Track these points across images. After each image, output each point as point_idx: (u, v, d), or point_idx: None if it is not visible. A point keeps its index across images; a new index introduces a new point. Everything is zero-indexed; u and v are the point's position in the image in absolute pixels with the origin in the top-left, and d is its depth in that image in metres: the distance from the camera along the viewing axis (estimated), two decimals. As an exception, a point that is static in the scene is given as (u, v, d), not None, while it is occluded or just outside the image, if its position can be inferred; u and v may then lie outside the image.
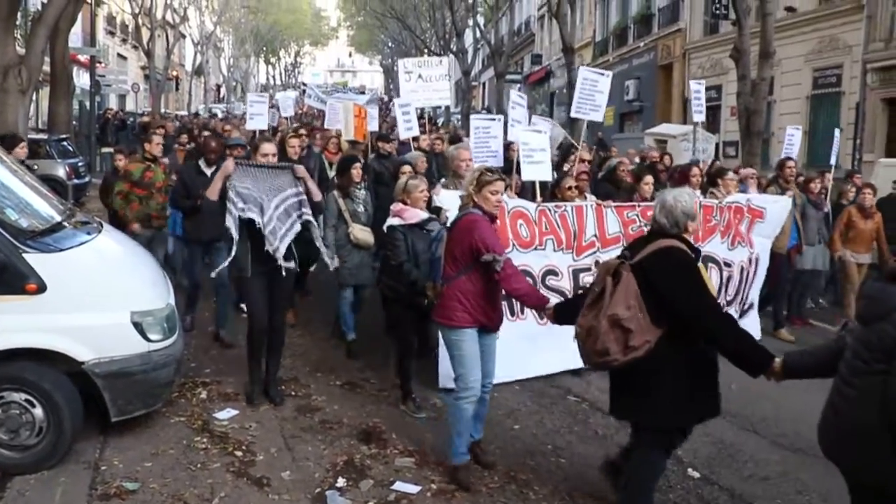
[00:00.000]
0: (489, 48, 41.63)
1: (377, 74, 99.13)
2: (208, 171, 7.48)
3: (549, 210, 7.00)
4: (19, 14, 12.67)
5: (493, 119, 9.03)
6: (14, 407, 4.86)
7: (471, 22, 41.89)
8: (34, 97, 14.06)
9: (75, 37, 22.63)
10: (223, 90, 71.60)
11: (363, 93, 48.86)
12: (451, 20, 39.35)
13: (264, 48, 79.10)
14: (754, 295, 8.57)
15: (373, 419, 5.94)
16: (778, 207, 8.68)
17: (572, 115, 8.86)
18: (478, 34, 41.68)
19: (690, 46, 26.87)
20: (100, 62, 26.19)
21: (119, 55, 46.33)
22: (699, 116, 12.35)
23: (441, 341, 5.47)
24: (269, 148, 6.23)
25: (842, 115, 19.16)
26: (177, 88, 52.75)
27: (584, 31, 36.54)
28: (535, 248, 6.86)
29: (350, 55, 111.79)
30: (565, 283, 7.02)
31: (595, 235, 7.17)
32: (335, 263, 7.14)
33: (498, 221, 5.57)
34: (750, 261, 8.30)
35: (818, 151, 18.65)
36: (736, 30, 16.16)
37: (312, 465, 5.14)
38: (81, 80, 27.42)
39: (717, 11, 23.83)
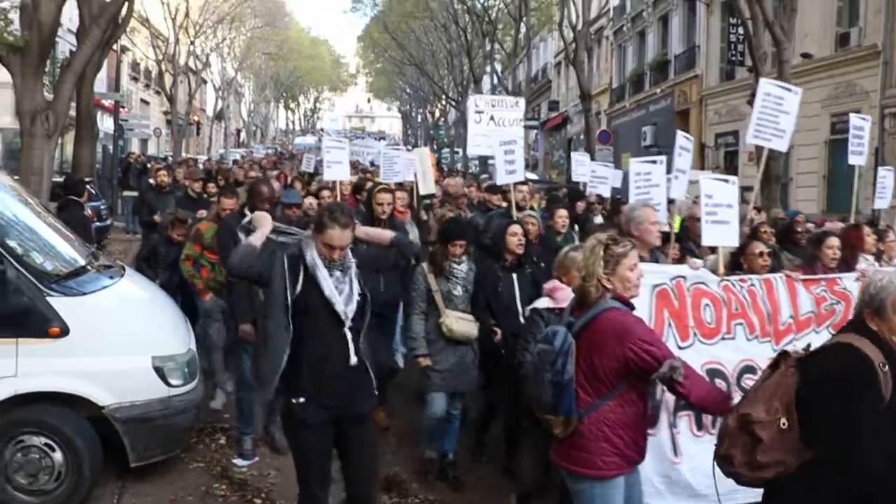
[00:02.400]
0: (507, 94, 42.10)
1: (395, 120, 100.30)
2: None
3: (734, 285, 5.18)
4: (48, 61, 12.92)
5: (655, 162, 7.15)
6: (34, 451, 4.86)
7: (488, 69, 42.38)
8: (59, 141, 14.28)
9: (100, 82, 23.08)
10: (243, 135, 72.59)
11: (383, 138, 49.37)
12: (469, 67, 39.87)
13: (284, 94, 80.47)
14: None
15: (394, 468, 5.86)
16: None
17: (749, 140, 7.07)
18: (495, 80, 42.15)
19: (707, 92, 27.01)
20: (123, 107, 26.64)
21: (142, 100, 47.15)
22: (858, 159, 10.12)
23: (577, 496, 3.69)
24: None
25: (861, 160, 19.08)
26: (198, 133, 53.59)
27: (600, 77, 36.86)
28: (723, 338, 5.03)
29: (368, 101, 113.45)
30: None
31: (791, 317, 5.32)
32: (407, 363, 5.32)
33: (676, 303, 4.66)
34: None
35: (837, 197, 18.55)
36: (752, 76, 16.23)
37: (331, 514, 5.05)
38: (105, 124, 27.87)
39: (734, 58, 23.98)
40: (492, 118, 9.26)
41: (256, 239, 4.01)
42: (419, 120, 71.16)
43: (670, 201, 7.19)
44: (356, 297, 3.93)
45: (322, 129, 72.72)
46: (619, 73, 36.03)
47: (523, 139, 9.98)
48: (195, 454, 5.87)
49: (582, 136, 30.24)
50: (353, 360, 3.86)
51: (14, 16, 12.43)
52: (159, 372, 5.11)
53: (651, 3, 31.44)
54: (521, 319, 5.42)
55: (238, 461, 5.78)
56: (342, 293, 3.87)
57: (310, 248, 3.89)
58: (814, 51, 20.51)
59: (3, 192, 5.77)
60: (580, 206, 10.71)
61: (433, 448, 5.80)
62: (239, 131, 73.17)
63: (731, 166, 24.48)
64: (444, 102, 56.73)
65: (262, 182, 6.58)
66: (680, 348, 4.56)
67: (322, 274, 3.83)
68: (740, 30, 20.92)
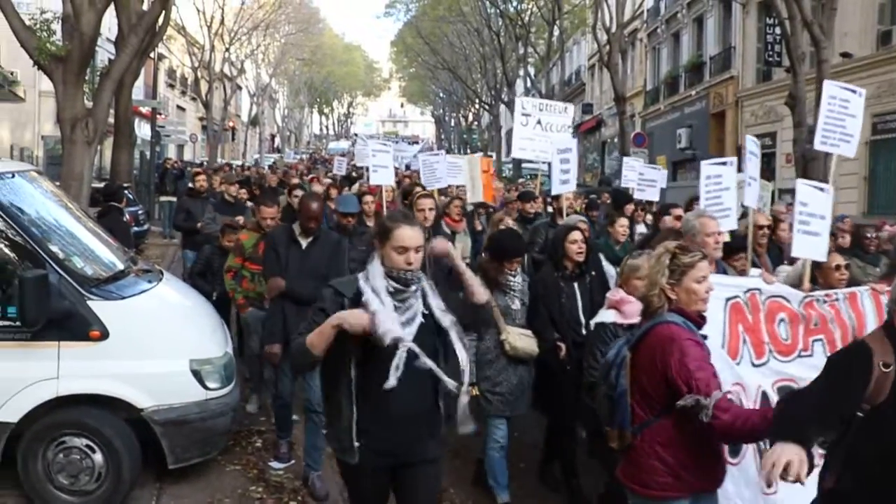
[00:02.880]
0: (540, 98, 41.97)
1: (428, 124, 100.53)
2: (304, 242, 5.67)
3: (818, 301, 4.86)
4: (88, 70, 13.18)
5: (725, 163, 6.52)
6: (75, 452, 4.93)
7: (521, 72, 42.32)
8: (98, 147, 14.56)
9: (137, 89, 23.43)
10: (277, 140, 73.30)
11: (416, 143, 49.43)
12: (503, 70, 39.85)
13: (318, 99, 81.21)
14: None
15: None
16: None
17: (816, 146, 6.53)
18: (529, 84, 42.10)
19: (743, 94, 26.66)
20: (160, 114, 27.09)
21: (178, 107, 47.84)
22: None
23: None
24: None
25: (903, 161, 18.73)
26: (233, 138, 54.27)
27: (634, 79, 36.58)
28: (800, 355, 4.70)
29: (402, 105, 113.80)
30: None
31: None
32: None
33: (750, 317, 4.32)
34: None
35: (879, 198, 18.21)
36: (790, 77, 15.99)
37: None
38: (142, 130, 28.36)
39: (770, 59, 23.66)
40: (539, 122, 9.02)
41: (317, 340, 3.19)
42: (452, 124, 71.28)
43: (744, 211, 6.62)
44: (419, 318, 3.29)
45: (356, 134, 72.98)
46: (654, 76, 35.72)
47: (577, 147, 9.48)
48: (232, 457, 5.91)
49: (616, 139, 30.01)
50: (400, 369, 3.18)
51: (56, 26, 12.73)
52: (197, 375, 5.16)
53: (686, 4, 31.14)
54: (584, 331, 5.18)
55: (274, 464, 5.81)
56: (406, 315, 3.27)
57: (369, 281, 3.29)
58: (854, 50, 20.15)
59: (45, 198, 5.89)
60: (629, 210, 9.64)
61: (505, 490, 5.19)
62: (273, 136, 73.91)
63: (768, 169, 24.11)
64: (477, 106, 56.78)
65: (311, 198, 5.88)
66: (754, 366, 4.35)
67: (383, 312, 3.18)
68: (777, 30, 20.65)
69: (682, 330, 3.24)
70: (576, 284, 5.50)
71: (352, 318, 3.13)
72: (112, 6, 13.49)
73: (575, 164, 8.36)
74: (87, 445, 4.93)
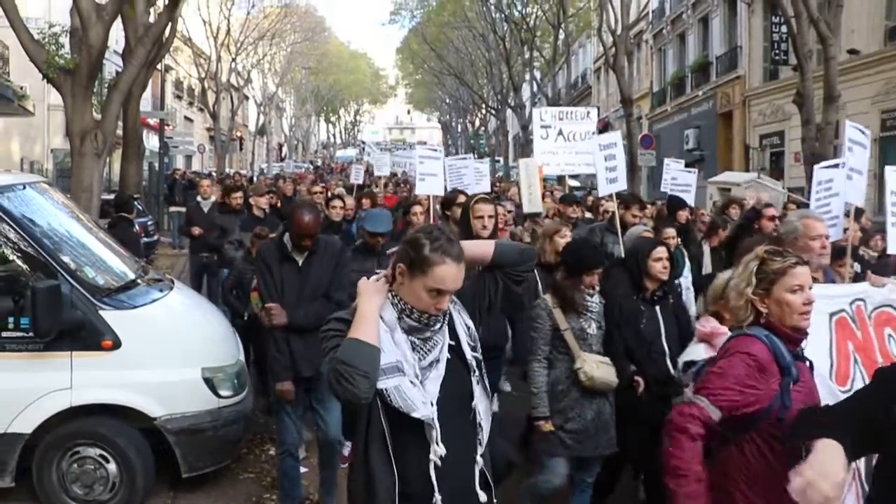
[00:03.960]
0: (547, 102, 41.97)
1: (435, 130, 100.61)
2: (299, 259, 4.88)
3: None
4: (96, 82, 13.26)
5: (837, 165, 5.78)
6: (89, 462, 4.95)
7: (527, 76, 42.31)
8: (107, 159, 14.64)
9: (145, 101, 23.55)
10: (285, 149, 73.52)
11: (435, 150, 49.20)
12: (508, 75, 39.81)
13: (325, 107, 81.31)
14: None
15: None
16: None
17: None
18: (535, 88, 42.06)
19: (750, 93, 26.59)
20: (168, 125, 27.16)
21: (186, 118, 48.01)
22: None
23: None
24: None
25: (914, 157, 18.64)
26: (240, 148, 54.42)
27: (641, 81, 36.54)
28: None
29: (408, 112, 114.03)
30: None
31: None
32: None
33: (859, 333, 3.64)
34: None
35: (890, 196, 18.10)
36: (797, 75, 15.93)
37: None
38: (150, 142, 28.45)
39: (777, 57, 23.60)
40: (560, 132, 8.40)
41: (368, 328, 2.49)
42: (459, 130, 71.30)
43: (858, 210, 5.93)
44: (444, 355, 2.61)
45: (363, 142, 73.13)
46: (660, 77, 35.67)
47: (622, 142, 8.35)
48: (245, 465, 5.91)
49: (624, 142, 29.99)
50: (439, 451, 2.51)
51: (64, 40, 12.81)
52: (209, 383, 5.16)
53: (690, 4, 31.10)
54: (669, 362, 4.62)
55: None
56: (428, 357, 2.60)
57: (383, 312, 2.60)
58: (861, 46, 20.06)
59: (56, 209, 5.92)
60: (683, 217, 8.74)
61: None
62: (281, 146, 74.11)
63: (776, 168, 24.06)
64: (483, 111, 56.77)
65: (304, 209, 4.86)
66: None
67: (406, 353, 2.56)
68: (783, 28, 20.61)
69: (743, 342, 2.78)
70: (658, 308, 4.83)
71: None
72: (119, 18, 13.56)
73: (622, 160, 7.49)
74: (101, 455, 4.95)
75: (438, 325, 2.62)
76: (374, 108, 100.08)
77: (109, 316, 4.97)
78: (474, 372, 2.66)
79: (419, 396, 2.50)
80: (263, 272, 4.88)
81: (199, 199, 11.14)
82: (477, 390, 2.64)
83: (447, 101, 68.49)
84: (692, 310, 6.39)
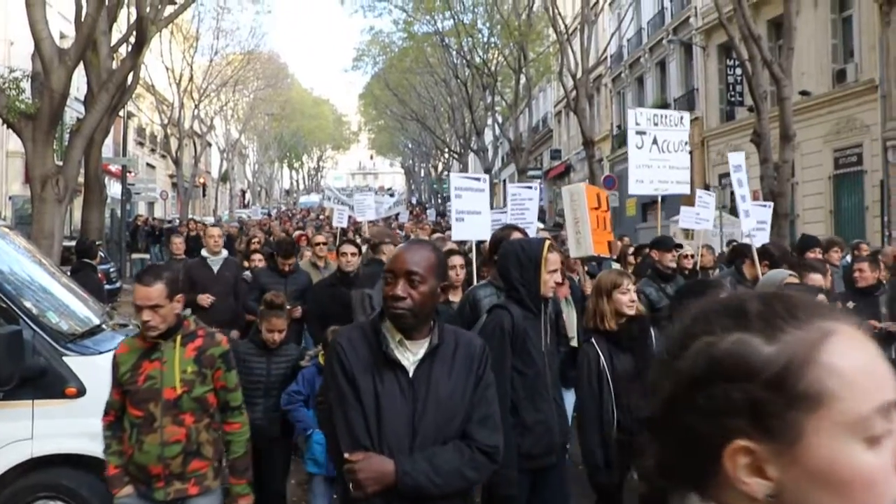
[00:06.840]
0: (509, 145, 42.54)
1: (398, 175, 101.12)
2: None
3: None
4: (58, 127, 13.15)
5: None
6: (51, 515, 4.76)
7: (490, 120, 42.84)
8: (68, 206, 14.45)
9: (107, 147, 23.37)
10: (248, 195, 73.24)
11: (392, 195, 49.05)
12: (471, 119, 40.31)
13: (288, 154, 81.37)
14: None
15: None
16: None
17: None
18: (497, 132, 42.57)
19: (708, 134, 27.21)
20: (130, 171, 26.95)
21: (148, 164, 47.66)
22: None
23: None
24: None
25: (866, 193, 19.17)
26: (203, 195, 54.05)
27: (601, 124, 37.20)
28: None
29: (371, 157, 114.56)
30: None
31: None
32: None
33: None
34: None
35: (845, 231, 18.53)
36: (752, 115, 16.35)
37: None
38: (113, 189, 28.18)
39: (733, 99, 24.24)
40: (655, 141, 7.09)
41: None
42: (422, 174, 71.76)
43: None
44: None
45: (327, 187, 73.28)
46: (621, 119, 36.38)
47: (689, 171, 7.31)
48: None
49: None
50: None
51: (25, 84, 12.70)
52: (177, 429, 5.02)
53: (648, 49, 31.89)
54: None
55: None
56: None
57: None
58: (812, 88, 20.71)
59: (18, 253, 5.79)
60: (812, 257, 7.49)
61: None
62: (244, 192, 73.85)
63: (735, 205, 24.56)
64: (446, 156, 57.26)
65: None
66: None
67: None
68: (738, 70, 21.20)
69: None
70: None
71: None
72: (81, 64, 13.50)
73: (747, 186, 6.34)
74: (64, 507, 4.77)
75: None
76: (337, 153, 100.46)
77: (73, 362, 4.83)
78: None
79: None
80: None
81: (204, 253, 8.47)
82: None
83: (410, 145, 69.05)
84: None
